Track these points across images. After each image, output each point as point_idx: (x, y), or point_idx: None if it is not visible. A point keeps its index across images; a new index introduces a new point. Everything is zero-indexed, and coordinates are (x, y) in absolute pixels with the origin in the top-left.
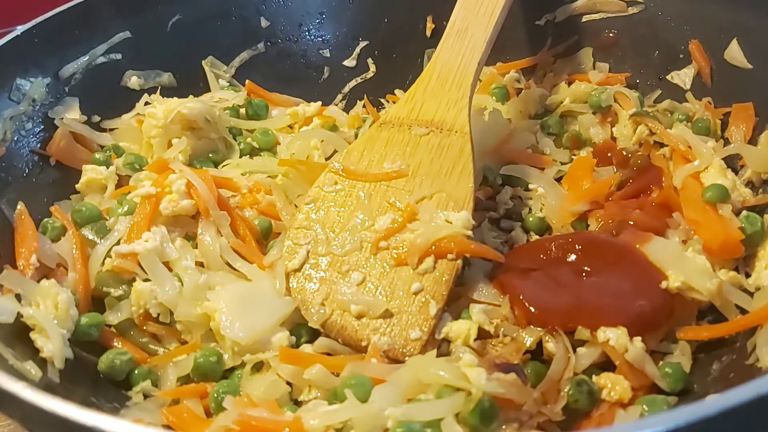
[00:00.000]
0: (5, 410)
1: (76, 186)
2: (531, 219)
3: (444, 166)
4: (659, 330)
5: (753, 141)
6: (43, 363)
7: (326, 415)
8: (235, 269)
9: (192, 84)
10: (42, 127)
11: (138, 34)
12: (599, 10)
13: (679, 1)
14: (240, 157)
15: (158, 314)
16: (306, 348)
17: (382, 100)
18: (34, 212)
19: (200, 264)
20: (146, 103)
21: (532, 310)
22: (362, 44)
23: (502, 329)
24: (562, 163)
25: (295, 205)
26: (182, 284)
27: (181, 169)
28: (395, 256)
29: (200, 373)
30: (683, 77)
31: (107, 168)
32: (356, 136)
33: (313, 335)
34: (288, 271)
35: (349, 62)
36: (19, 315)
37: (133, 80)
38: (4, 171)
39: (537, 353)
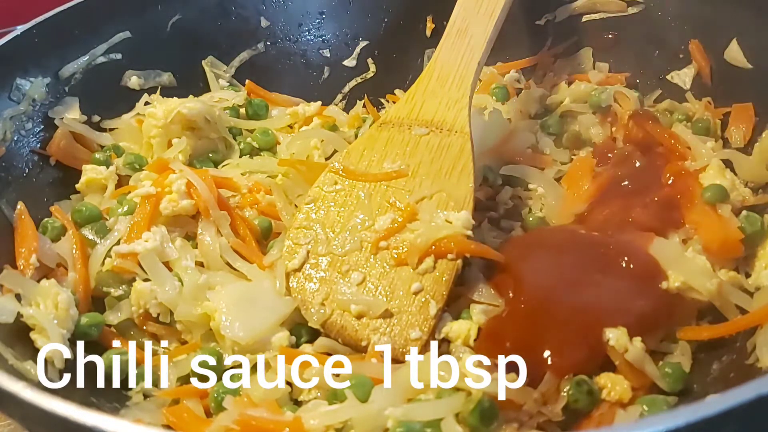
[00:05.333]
0: (5, 410)
1: (76, 186)
2: (531, 219)
3: (444, 166)
4: (659, 330)
5: (753, 141)
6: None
7: (326, 415)
8: (235, 269)
9: (192, 84)
10: (42, 126)
11: (138, 34)
12: (599, 10)
13: (679, 1)
14: (240, 156)
15: (158, 314)
16: (306, 348)
17: (382, 100)
18: (34, 212)
19: (200, 264)
20: (146, 103)
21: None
22: (362, 44)
23: None
24: (562, 163)
25: (295, 205)
26: (182, 284)
27: (181, 168)
28: (395, 256)
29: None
30: (683, 77)
31: (107, 168)
32: (356, 136)
33: (313, 335)
34: (288, 271)
35: (349, 62)
36: (19, 315)
37: (133, 80)
38: (4, 171)
39: None
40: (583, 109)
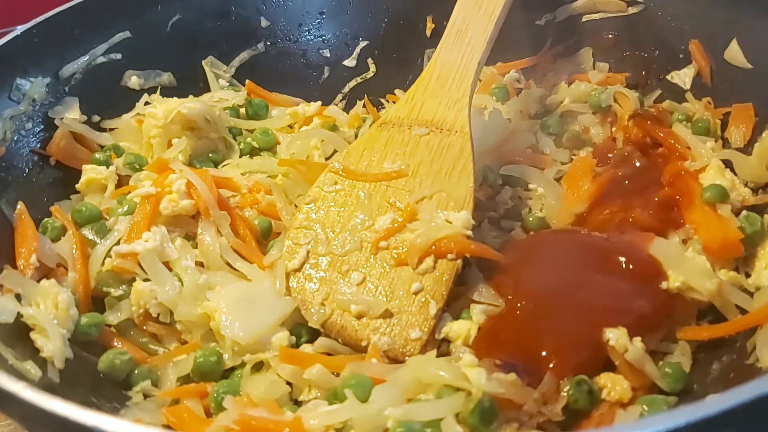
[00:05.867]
0: (5, 410)
1: (76, 186)
2: (531, 219)
3: (444, 166)
4: (659, 330)
5: (753, 141)
6: (43, 363)
7: (326, 415)
8: (235, 269)
9: (192, 84)
10: (42, 126)
11: (138, 34)
12: (599, 10)
13: (679, 1)
14: (240, 156)
15: (158, 314)
16: (306, 348)
17: (382, 100)
18: (34, 212)
19: (200, 264)
20: (146, 103)
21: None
22: (362, 44)
23: None
24: (562, 163)
25: (295, 205)
26: (182, 284)
27: (181, 168)
28: (395, 256)
29: (200, 372)
30: (683, 77)
31: (107, 168)
32: (356, 135)
33: (313, 335)
34: (288, 271)
35: (349, 62)
36: (19, 315)
37: (133, 80)
38: (4, 171)
39: None
40: (583, 109)
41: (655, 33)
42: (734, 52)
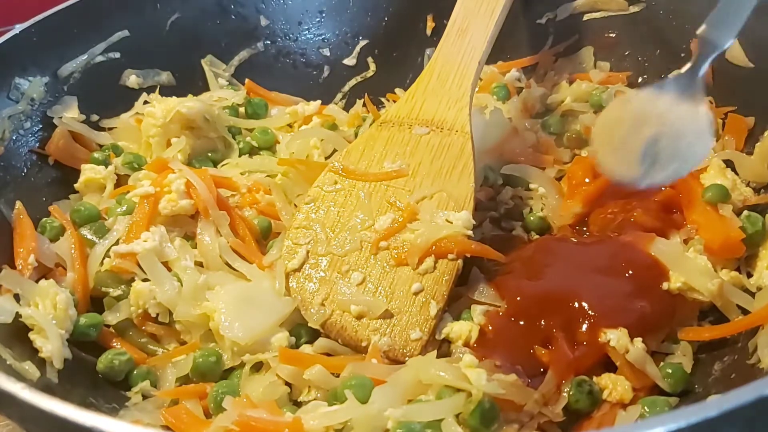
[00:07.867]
0: (4, 410)
1: (75, 185)
2: (531, 218)
3: (444, 165)
4: (660, 331)
5: (753, 139)
6: (41, 363)
7: (326, 416)
8: (234, 269)
9: (191, 83)
10: (40, 126)
11: (137, 33)
12: (600, 9)
13: (680, 0)
14: (239, 156)
15: (157, 314)
16: (306, 348)
17: (382, 99)
18: (32, 212)
19: (199, 264)
20: (145, 102)
21: None
22: (362, 43)
23: None
24: (564, 163)
25: (295, 205)
26: (181, 284)
27: (180, 168)
28: (395, 256)
29: (199, 373)
30: None
31: (106, 167)
32: (356, 135)
33: (313, 336)
34: (288, 271)
35: (349, 61)
36: (17, 315)
37: (132, 79)
38: (3, 170)
39: None
40: (584, 109)
41: (656, 31)
42: (736, 51)
